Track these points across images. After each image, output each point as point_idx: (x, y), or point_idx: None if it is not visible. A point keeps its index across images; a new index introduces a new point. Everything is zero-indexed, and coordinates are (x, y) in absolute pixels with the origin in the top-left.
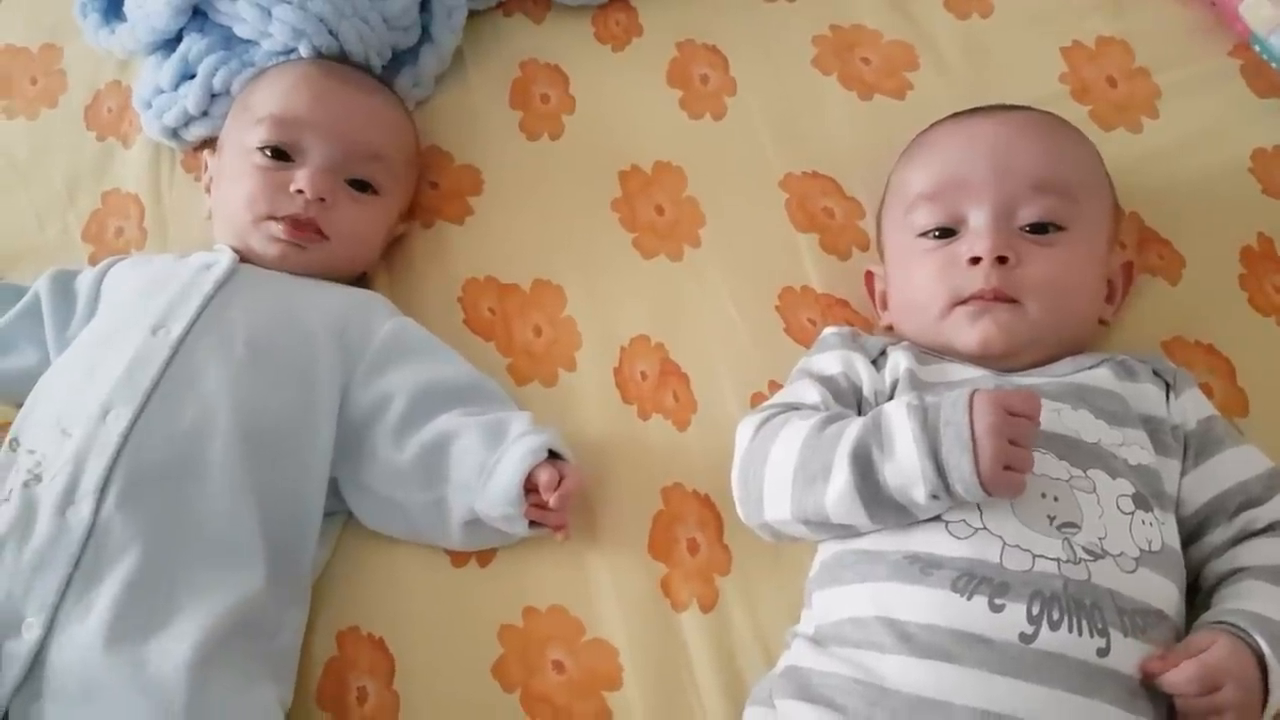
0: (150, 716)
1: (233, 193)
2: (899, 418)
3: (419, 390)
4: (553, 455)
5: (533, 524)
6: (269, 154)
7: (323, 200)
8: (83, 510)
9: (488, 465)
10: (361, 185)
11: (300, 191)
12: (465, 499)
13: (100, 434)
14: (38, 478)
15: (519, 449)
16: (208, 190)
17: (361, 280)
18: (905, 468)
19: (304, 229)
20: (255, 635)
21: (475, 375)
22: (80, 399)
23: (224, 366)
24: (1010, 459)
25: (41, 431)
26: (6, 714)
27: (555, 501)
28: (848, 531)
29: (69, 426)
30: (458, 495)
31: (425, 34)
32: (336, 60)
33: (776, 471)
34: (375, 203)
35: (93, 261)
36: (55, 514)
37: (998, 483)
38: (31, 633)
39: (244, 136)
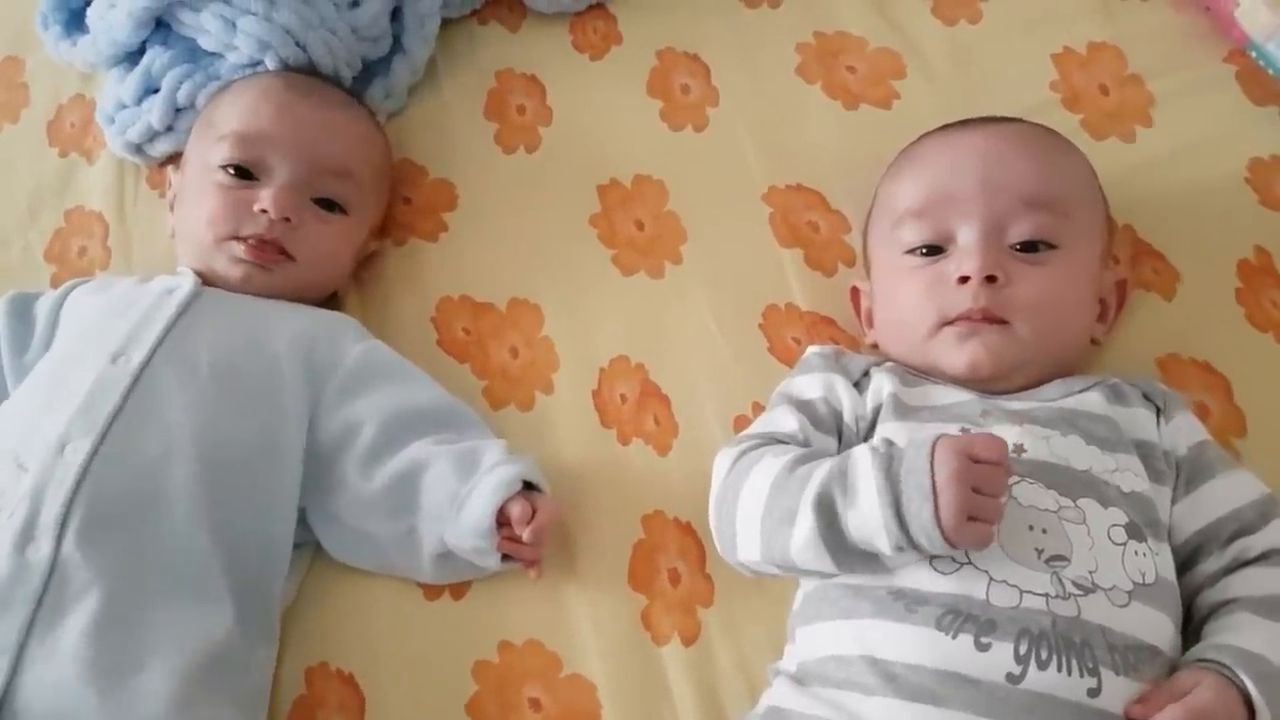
0: None
1: (195, 212)
2: (864, 465)
3: (389, 417)
4: (529, 486)
5: (506, 557)
6: (232, 172)
7: (288, 220)
8: (43, 547)
9: (459, 496)
10: (328, 204)
11: (264, 211)
12: (436, 530)
13: (58, 467)
14: None
15: (491, 480)
16: (172, 208)
17: (332, 300)
18: (868, 518)
19: (267, 250)
20: (227, 675)
21: (448, 400)
22: (37, 430)
23: (187, 395)
24: (975, 508)
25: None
26: None
27: (528, 536)
28: (821, 574)
29: (25, 460)
30: (428, 526)
31: (397, 44)
32: (304, 73)
33: (747, 512)
34: (343, 222)
35: (55, 282)
36: (14, 552)
37: (961, 534)
38: None
39: (207, 154)
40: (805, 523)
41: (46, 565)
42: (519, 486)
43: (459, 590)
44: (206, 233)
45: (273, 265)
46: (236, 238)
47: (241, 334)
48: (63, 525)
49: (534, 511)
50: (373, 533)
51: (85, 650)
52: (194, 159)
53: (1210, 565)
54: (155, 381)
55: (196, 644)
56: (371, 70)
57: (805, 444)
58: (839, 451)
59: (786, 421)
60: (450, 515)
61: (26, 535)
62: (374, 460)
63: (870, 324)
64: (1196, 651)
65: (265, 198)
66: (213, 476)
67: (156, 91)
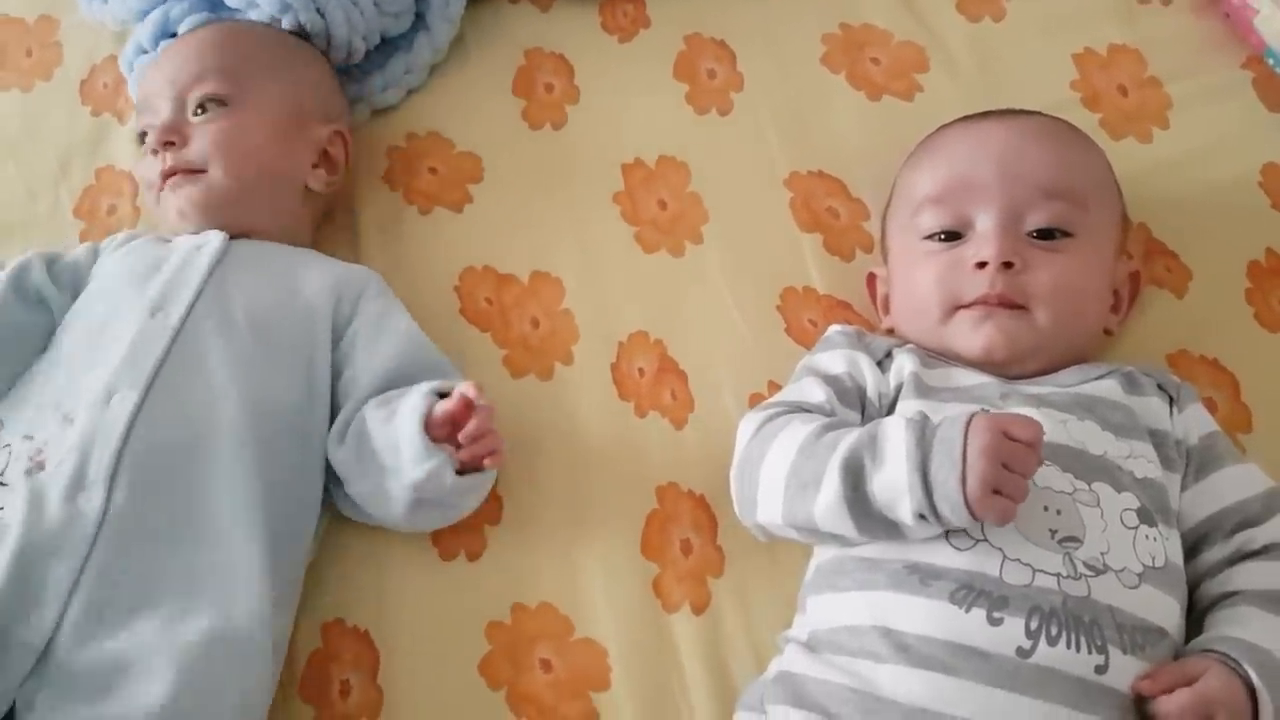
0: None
1: (142, 187)
2: (896, 430)
3: (375, 382)
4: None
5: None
6: (142, 141)
7: (172, 144)
8: (94, 497)
9: (392, 439)
10: (204, 107)
11: (155, 151)
12: (396, 481)
13: (105, 418)
14: (40, 465)
15: (406, 409)
16: None
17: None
18: (893, 481)
19: (174, 176)
20: (259, 623)
21: (423, 360)
22: (80, 384)
23: (227, 348)
24: (1001, 484)
25: (38, 416)
26: (12, 707)
27: (466, 434)
28: (840, 540)
29: (70, 412)
30: (390, 480)
31: (421, 21)
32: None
33: (771, 474)
34: (229, 113)
35: (84, 237)
36: (65, 501)
37: (984, 506)
38: (44, 622)
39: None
40: (831, 485)
41: (98, 514)
42: (433, 399)
43: (474, 551)
44: (150, 196)
45: (185, 184)
46: (158, 185)
47: (275, 285)
48: (113, 476)
49: (462, 408)
50: (353, 493)
51: (132, 598)
52: None
53: (1214, 554)
54: (195, 335)
55: (240, 593)
56: (395, 45)
57: (831, 415)
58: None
59: (814, 392)
60: (396, 461)
61: (77, 485)
62: (345, 427)
63: (886, 310)
64: (1202, 642)
65: (150, 138)
66: (258, 427)
67: (174, 36)
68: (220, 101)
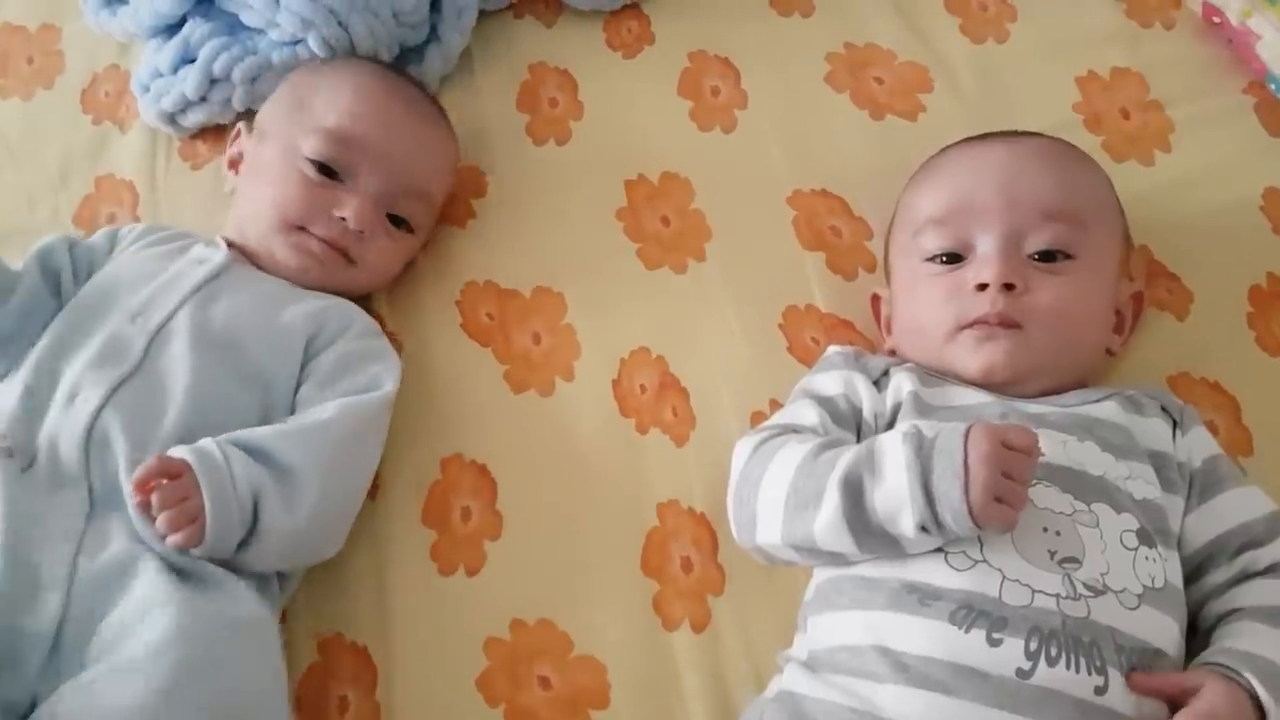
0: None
1: (267, 191)
2: (893, 444)
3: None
4: None
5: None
6: (318, 168)
7: (361, 232)
8: (77, 493)
9: None
10: (399, 221)
11: (343, 219)
12: None
13: (69, 416)
14: (8, 451)
15: None
16: (233, 165)
17: None
18: (893, 494)
19: (332, 252)
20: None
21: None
22: (55, 375)
23: (195, 360)
24: (1002, 492)
25: (7, 395)
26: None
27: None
28: (839, 559)
29: (40, 401)
30: None
31: (433, 33)
32: (393, 70)
33: (769, 495)
34: (408, 239)
35: None
36: (47, 494)
37: (987, 514)
38: (50, 608)
39: (296, 138)
40: (831, 502)
41: (84, 506)
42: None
43: (473, 567)
44: (272, 214)
45: (333, 264)
46: (305, 230)
47: (259, 311)
48: (87, 469)
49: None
50: None
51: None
52: (278, 135)
53: (1218, 576)
54: (167, 346)
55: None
56: (405, 58)
57: (825, 436)
58: None
59: (807, 415)
60: None
61: (57, 481)
62: None
63: (889, 331)
64: (1203, 657)
65: (349, 207)
66: (191, 439)
67: (193, 62)
68: (410, 229)
